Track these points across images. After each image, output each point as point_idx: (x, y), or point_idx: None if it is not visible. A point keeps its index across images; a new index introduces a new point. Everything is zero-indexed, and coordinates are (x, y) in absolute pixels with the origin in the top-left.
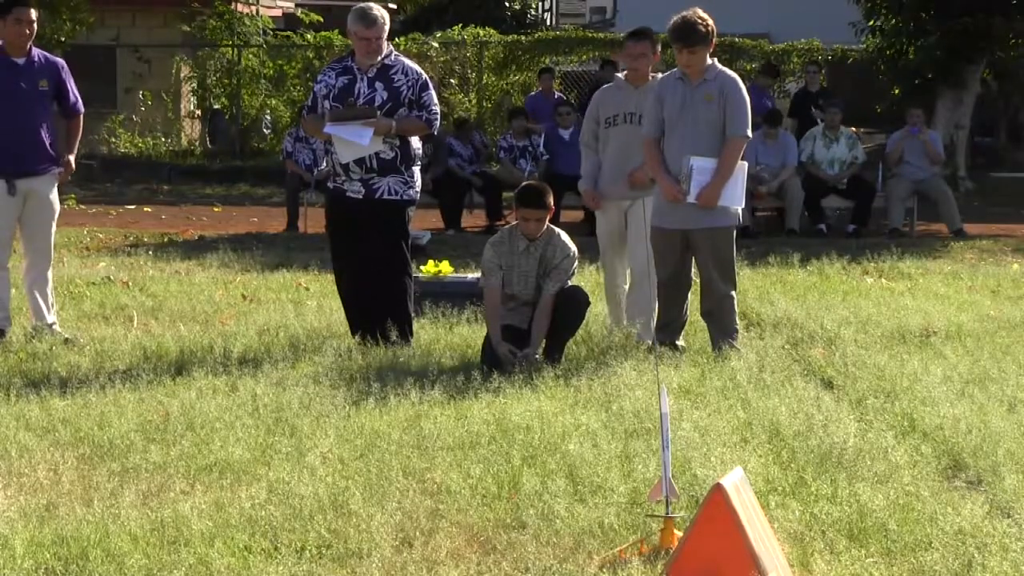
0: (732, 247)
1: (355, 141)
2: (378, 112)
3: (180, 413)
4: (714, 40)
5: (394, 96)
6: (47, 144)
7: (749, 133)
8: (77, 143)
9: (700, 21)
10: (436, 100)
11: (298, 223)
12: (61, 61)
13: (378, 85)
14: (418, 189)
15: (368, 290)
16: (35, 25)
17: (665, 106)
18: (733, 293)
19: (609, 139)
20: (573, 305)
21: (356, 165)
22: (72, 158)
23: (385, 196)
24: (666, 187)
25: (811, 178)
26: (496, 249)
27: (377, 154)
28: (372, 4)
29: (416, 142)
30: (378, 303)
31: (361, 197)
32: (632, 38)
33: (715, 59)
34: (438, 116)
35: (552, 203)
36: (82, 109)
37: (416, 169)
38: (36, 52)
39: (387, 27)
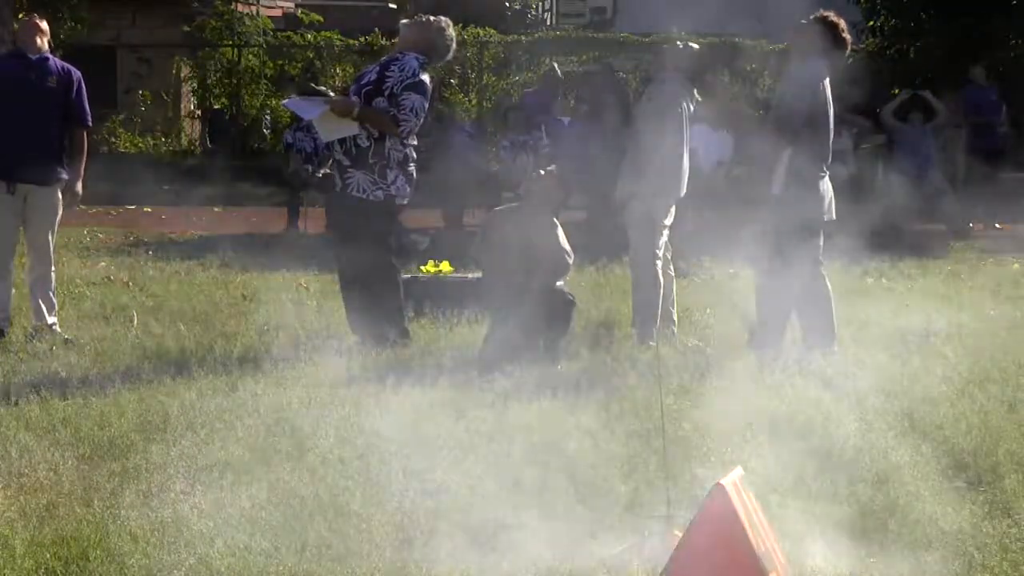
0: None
1: (303, 114)
2: (355, 100)
3: (180, 413)
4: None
5: (379, 81)
6: (52, 147)
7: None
8: (82, 165)
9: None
10: (416, 107)
11: (298, 223)
12: (78, 73)
13: (378, 68)
14: (392, 193)
15: (354, 288)
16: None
17: None
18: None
19: None
20: (558, 308)
21: (339, 145)
22: (79, 186)
23: (354, 192)
24: None
25: None
26: (496, 214)
27: (355, 139)
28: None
29: (394, 144)
30: (364, 302)
31: (337, 190)
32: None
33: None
34: (408, 121)
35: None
36: (89, 122)
37: (394, 173)
38: (52, 58)
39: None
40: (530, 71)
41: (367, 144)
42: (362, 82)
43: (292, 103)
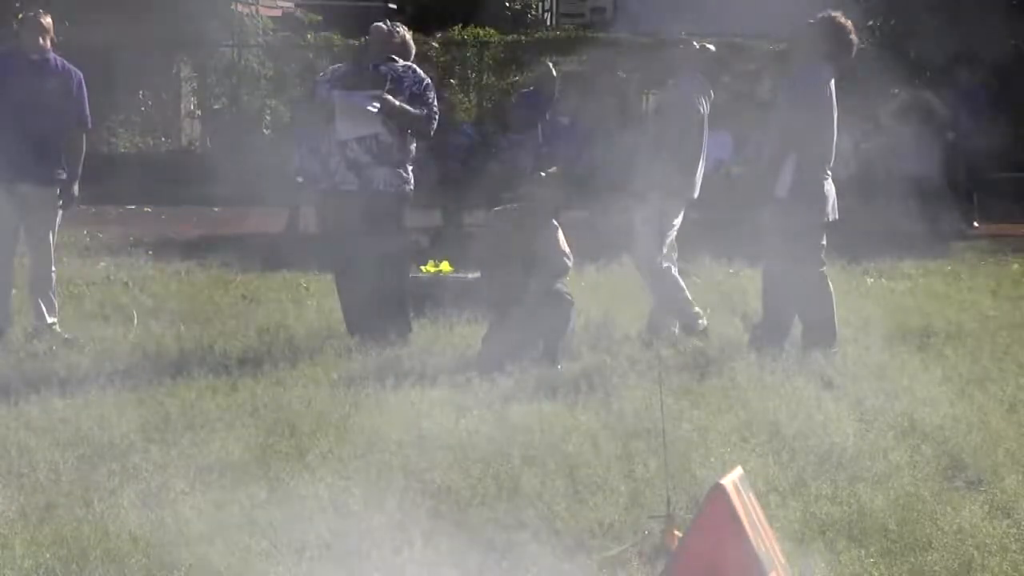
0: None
1: (361, 106)
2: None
3: (180, 413)
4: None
5: (396, 80)
6: (52, 147)
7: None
8: (79, 166)
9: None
10: (437, 107)
11: (298, 223)
12: (79, 73)
13: (383, 68)
14: (411, 186)
15: (364, 286)
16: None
17: None
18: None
19: None
20: (558, 308)
21: (358, 145)
22: (75, 187)
23: (380, 187)
24: None
25: None
26: (497, 214)
27: (376, 136)
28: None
29: (412, 140)
30: (374, 299)
31: (356, 188)
32: None
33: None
34: (437, 118)
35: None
36: (89, 124)
37: (409, 167)
38: (54, 57)
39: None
40: (530, 71)
41: (391, 141)
42: (395, 85)
43: (343, 96)
